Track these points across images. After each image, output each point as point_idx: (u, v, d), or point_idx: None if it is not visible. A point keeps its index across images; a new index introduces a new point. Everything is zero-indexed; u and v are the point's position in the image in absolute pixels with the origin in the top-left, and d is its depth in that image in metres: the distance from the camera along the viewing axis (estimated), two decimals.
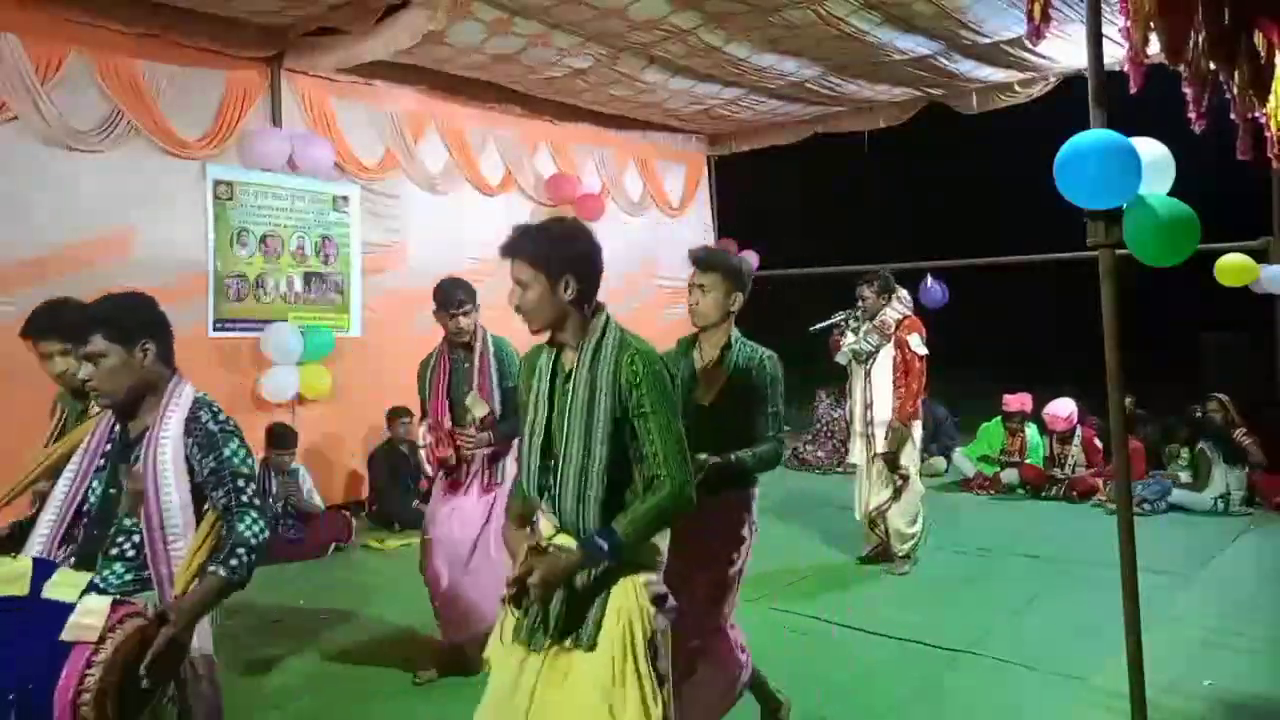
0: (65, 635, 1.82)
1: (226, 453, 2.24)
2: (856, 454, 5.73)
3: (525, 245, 2.17)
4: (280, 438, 6.23)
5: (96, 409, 2.60)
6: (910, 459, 5.49)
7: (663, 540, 2.23)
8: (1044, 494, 7.63)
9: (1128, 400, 7.72)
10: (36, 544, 2.21)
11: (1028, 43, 6.76)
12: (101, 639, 1.84)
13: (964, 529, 6.53)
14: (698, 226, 10.60)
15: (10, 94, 5.46)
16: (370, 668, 4.06)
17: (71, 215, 5.77)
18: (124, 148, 6.00)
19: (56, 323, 3.00)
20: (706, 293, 3.06)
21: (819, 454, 9.33)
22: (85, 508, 2.25)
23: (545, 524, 2.23)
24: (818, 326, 5.93)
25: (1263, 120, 2.68)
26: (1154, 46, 2.65)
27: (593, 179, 9.26)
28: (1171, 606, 4.66)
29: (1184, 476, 7.27)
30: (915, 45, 6.99)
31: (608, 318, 2.25)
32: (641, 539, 2.11)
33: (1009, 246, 9.37)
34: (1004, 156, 11.04)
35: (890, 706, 3.61)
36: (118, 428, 2.33)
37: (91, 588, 1.98)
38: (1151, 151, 2.92)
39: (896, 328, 5.52)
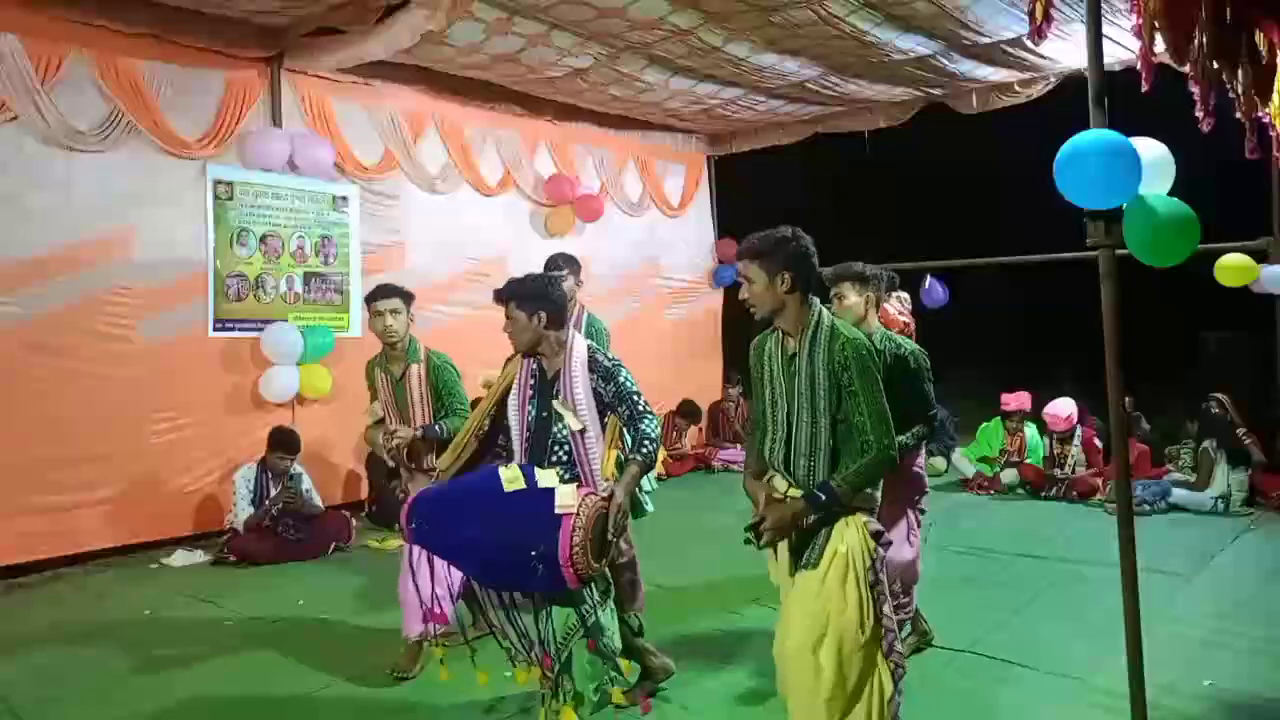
0: (557, 509, 2.80)
1: (621, 379, 3.09)
2: None
3: (746, 246, 2.71)
4: (284, 444, 6.09)
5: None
6: None
7: (877, 490, 2.72)
8: (1044, 494, 7.63)
9: (1126, 400, 7.76)
10: (515, 451, 3.15)
11: (1028, 43, 6.76)
12: (578, 511, 2.80)
13: (964, 529, 6.52)
14: (698, 227, 10.60)
15: (10, 94, 5.46)
16: (370, 667, 4.06)
17: (71, 215, 5.77)
18: (124, 148, 6.00)
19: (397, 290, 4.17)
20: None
21: None
22: (528, 426, 3.13)
23: (780, 481, 2.70)
24: None
25: (1266, 120, 2.68)
26: (1159, 46, 2.66)
27: (593, 179, 9.26)
28: (1171, 606, 4.66)
29: (1186, 476, 7.27)
30: (915, 45, 6.98)
31: (820, 309, 2.69)
32: (854, 492, 2.59)
33: (1009, 246, 9.37)
34: (1004, 156, 11.03)
35: None
36: (536, 370, 3.16)
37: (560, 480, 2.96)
38: (1151, 151, 2.92)
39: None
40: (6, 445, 5.45)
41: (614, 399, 3.08)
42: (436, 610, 3.07)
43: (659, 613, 4.17)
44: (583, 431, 3.05)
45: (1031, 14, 2.83)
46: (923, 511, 4.20)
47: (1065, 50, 7.03)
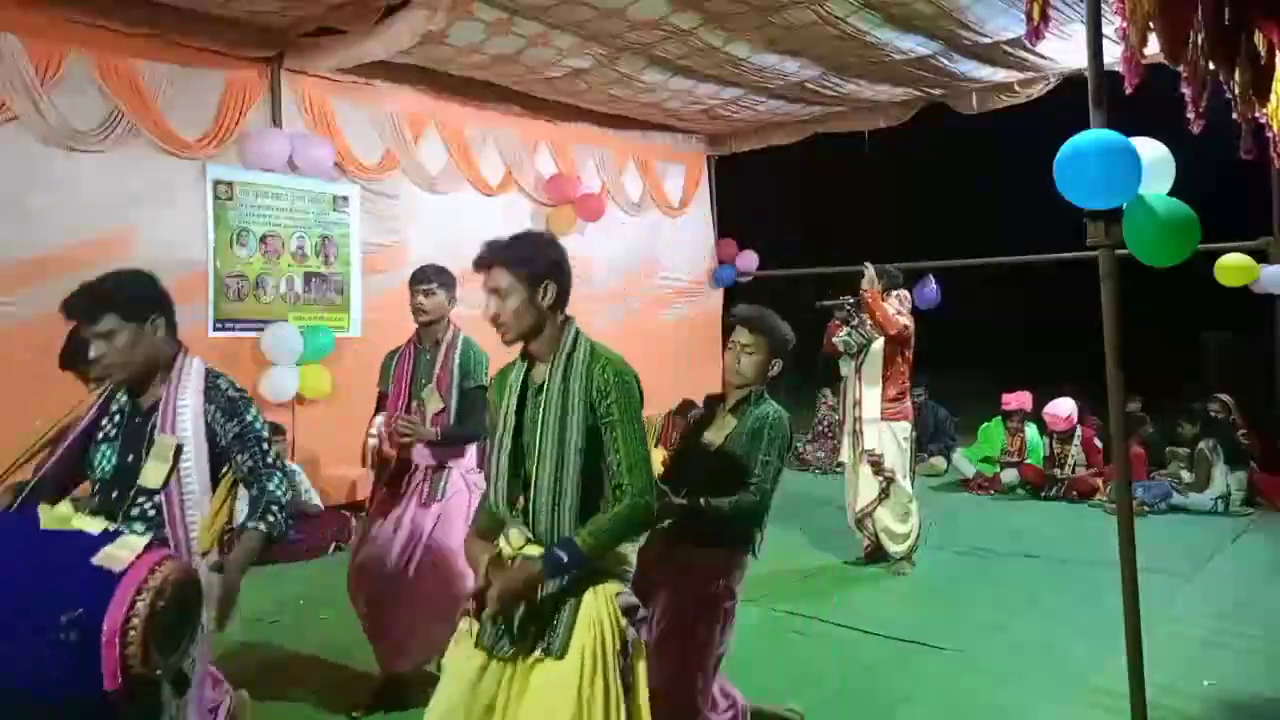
0: (96, 560, 1.93)
1: (248, 418, 2.37)
2: (845, 452, 5.77)
3: (504, 253, 2.21)
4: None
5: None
6: (897, 460, 5.47)
7: (631, 550, 2.25)
8: (1044, 494, 7.64)
9: (1134, 404, 7.77)
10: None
11: (1028, 43, 6.75)
12: (149, 574, 1.94)
13: (964, 529, 6.53)
14: (698, 226, 10.60)
15: (10, 94, 5.46)
16: (370, 666, 4.05)
17: (71, 215, 5.76)
18: (124, 148, 5.99)
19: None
20: (752, 355, 3.00)
21: (819, 454, 9.33)
22: (97, 474, 2.33)
23: (516, 534, 2.21)
24: (825, 303, 5.95)
25: (1264, 120, 2.68)
26: (1153, 46, 2.66)
27: (593, 179, 9.26)
28: (1171, 606, 4.66)
29: (1184, 476, 7.27)
30: (915, 45, 6.98)
31: (577, 329, 2.27)
32: (602, 550, 2.12)
33: (1009, 246, 9.37)
34: (1004, 156, 11.04)
35: (890, 706, 3.61)
36: (125, 398, 2.40)
37: (116, 534, 2.08)
38: (1151, 151, 2.92)
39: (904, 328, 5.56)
40: (6, 445, 5.44)
41: (234, 442, 2.34)
42: None
43: None
44: (183, 484, 2.28)
45: (1029, 15, 2.83)
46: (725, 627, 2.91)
47: (1065, 50, 7.03)
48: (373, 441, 3.78)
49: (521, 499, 2.22)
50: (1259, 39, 2.56)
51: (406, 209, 7.69)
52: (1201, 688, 3.68)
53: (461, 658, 2.17)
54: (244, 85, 6.55)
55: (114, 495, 2.29)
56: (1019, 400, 8.10)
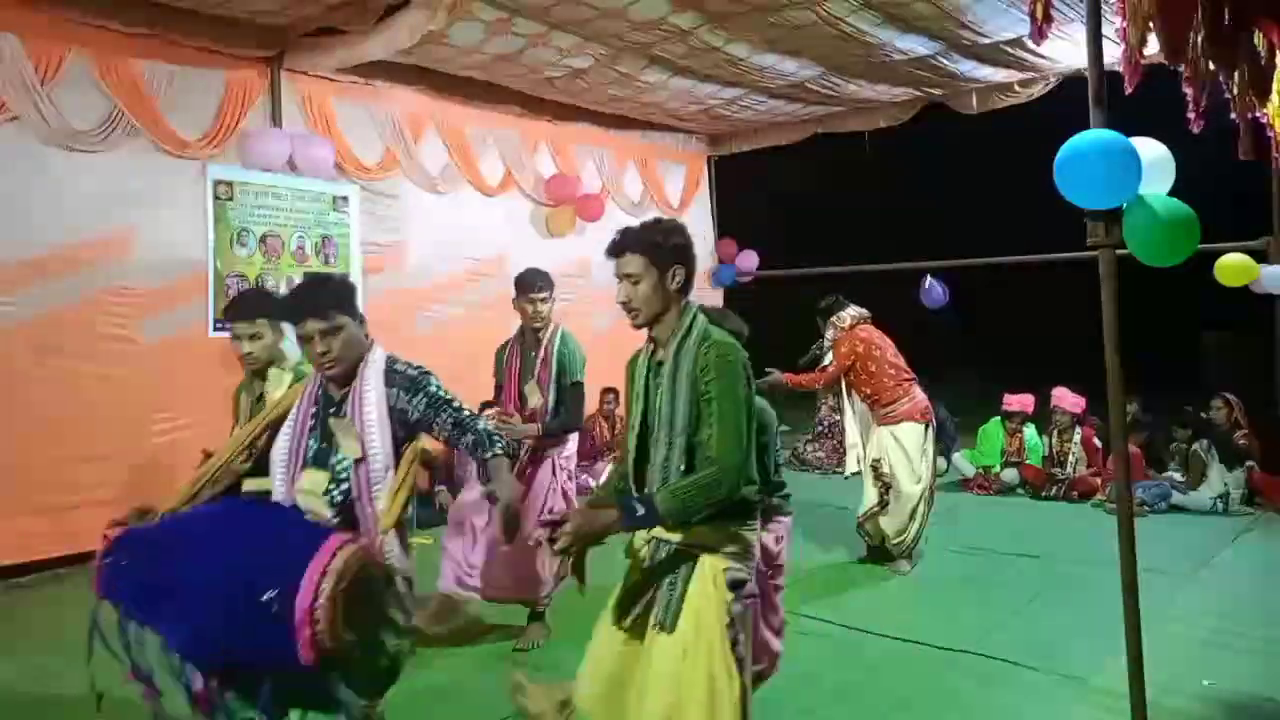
0: (298, 500, 2.28)
1: (432, 388, 2.49)
2: (853, 464, 5.92)
3: (637, 239, 2.33)
4: None
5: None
6: (901, 463, 5.47)
7: (750, 532, 2.32)
8: (1044, 494, 7.63)
9: (1134, 405, 7.77)
10: (277, 493, 2.45)
11: (1028, 42, 6.76)
12: (330, 558, 2.08)
13: (964, 529, 6.52)
14: (698, 226, 10.59)
15: (10, 94, 5.46)
16: None
17: (71, 215, 5.76)
18: (124, 148, 6.00)
19: (259, 307, 3.51)
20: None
21: (819, 454, 9.33)
22: (303, 463, 2.47)
23: None
24: (804, 361, 6.40)
25: (1264, 120, 2.68)
26: (1153, 47, 2.66)
27: (593, 179, 9.26)
28: (1171, 606, 4.66)
29: (1176, 477, 7.28)
30: (915, 45, 6.99)
31: (696, 311, 2.37)
32: (681, 512, 2.17)
33: (1009, 246, 9.37)
34: (1004, 156, 11.03)
35: (891, 706, 3.61)
36: (320, 393, 2.54)
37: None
38: (1151, 151, 2.92)
39: (834, 348, 5.74)
40: (6, 445, 5.45)
41: (428, 411, 2.45)
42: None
43: None
44: (364, 462, 2.39)
45: (1032, 14, 2.83)
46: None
47: (1065, 50, 7.03)
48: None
49: (633, 477, 2.35)
50: (1259, 39, 2.56)
51: (406, 209, 7.69)
52: (1201, 688, 3.67)
53: (601, 636, 2.35)
54: (244, 85, 6.56)
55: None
56: (1021, 403, 8.09)
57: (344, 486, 2.40)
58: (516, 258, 7.91)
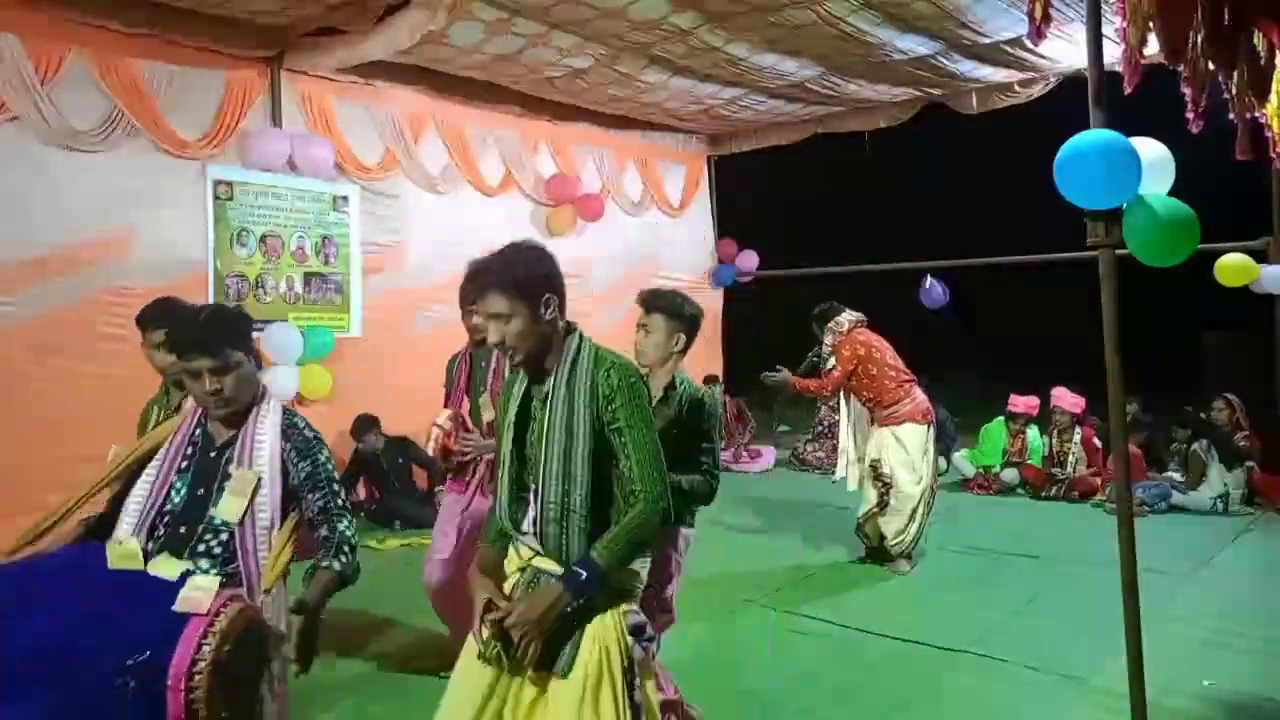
0: (178, 606, 1.96)
1: (321, 459, 2.37)
2: (842, 469, 5.98)
3: (498, 276, 2.09)
4: None
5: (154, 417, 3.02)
6: (901, 463, 5.47)
7: (643, 567, 2.20)
8: (1044, 494, 7.64)
9: (1134, 405, 7.78)
10: (121, 537, 2.27)
11: (1028, 42, 6.76)
12: (214, 617, 1.94)
13: (964, 529, 6.53)
14: (698, 226, 10.60)
15: (10, 94, 5.46)
16: (369, 665, 4.06)
17: (71, 215, 5.76)
18: (124, 148, 6.00)
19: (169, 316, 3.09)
20: (649, 334, 3.13)
21: (819, 454, 9.33)
22: (167, 506, 2.29)
23: (524, 548, 2.17)
24: (802, 368, 6.35)
25: (1262, 120, 2.68)
26: (1152, 47, 2.65)
27: (593, 179, 9.26)
28: (1171, 606, 4.66)
29: (1176, 477, 7.28)
30: (915, 45, 6.98)
31: (580, 335, 2.19)
32: (622, 562, 2.07)
33: (1009, 246, 9.38)
34: (1004, 156, 11.03)
35: (890, 706, 3.61)
36: (199, 431, 2.38)
37: (187, 575, 2.10)
38: (1151, 151, 2.92)
39: (833, 354, 5.72)
40: (6, 445, 5.45)
41: (305, 482, 2.33)
42: None
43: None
44: (256, 520, 2.25)
45: (1031, 14, 2.83)
46: (669, 620, 3.24)
47: (1065, 50, 7.03)
48: (436, 432, 3.94)
49: (530, 512, 2.16)
50: (1258, 39, 2.56)
51: (406, 209, 7.69)
52: (1201, 688, 3.67)
53: (470, 670, 2.10)
54: (244, 85, 6.56)
55: (182, 529, 2.26)
56: (1027, 404, 8.08)
57: (223, 537, 2.23)
58: None
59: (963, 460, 8.32)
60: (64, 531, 2.35)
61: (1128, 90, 2.68)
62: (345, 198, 7.24)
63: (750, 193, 11.71)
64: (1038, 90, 8.02)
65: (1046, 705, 3.59)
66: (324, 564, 2.25)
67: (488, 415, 3.87)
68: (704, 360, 10.45)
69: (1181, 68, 2.66)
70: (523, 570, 2.16)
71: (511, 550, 2.22)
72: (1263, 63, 2.55)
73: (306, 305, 6.96)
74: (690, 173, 10.49)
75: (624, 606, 2.12)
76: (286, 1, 5.91)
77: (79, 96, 5.78)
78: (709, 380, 9.44)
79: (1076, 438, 7.76)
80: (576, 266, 8.60)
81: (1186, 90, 2.71)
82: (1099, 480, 7.43)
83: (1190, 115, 2.73)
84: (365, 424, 6.87)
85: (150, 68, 6.09)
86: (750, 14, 6.22)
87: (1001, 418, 8.23)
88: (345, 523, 2.32)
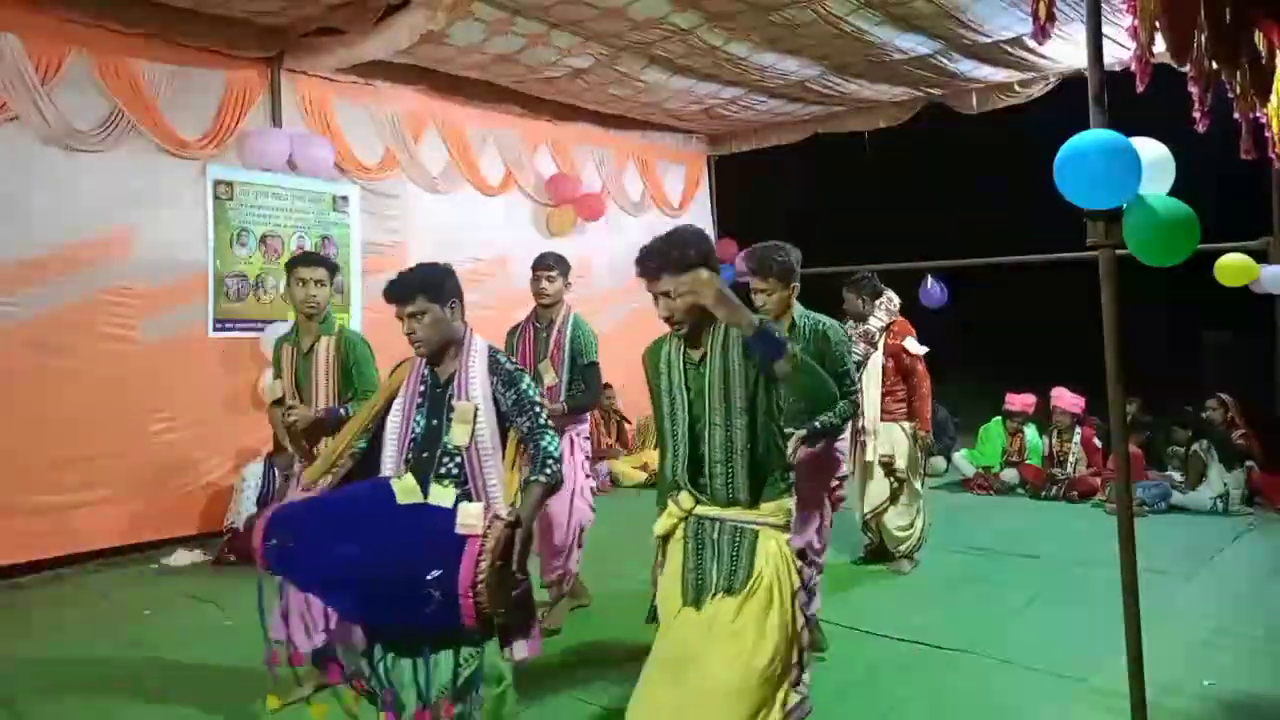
0: (459, 528, 2.40)
1: (523, 386, 2.72)
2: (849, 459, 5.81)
3: (667, 259, 2.41)
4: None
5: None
6: (915, 463, 5.46)
7: (791, 501, 2.49)
8: (1044, 494, 7.63)
9: (1134, 405, 7.78)
10: (387, 467, 2.69)
11: (1028, 42, 6.76)
12: (485, 534, 2.39)
13: (964, 529, 6.52)
14: (698, 226, 10.59)
15: (10, 94, 5.46)
16: None
17: (71, 215, 5.77)
18: (124, 148, 6.00)
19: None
20: (769, 295, 3.65)
21: None
22: (411, 436, 2.70)
23: (686, 497, 2.47)
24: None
25: (1264, 120, 2.68)
26: (1158, 46, 2.66)
27: (593, 179, 9.26)
28: (1171, 606, 4.66)
29: (1176, 477, 7.28)
30: (915, 45, 6.99)
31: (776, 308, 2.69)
32: (798, 372, 2.27)
33: (1009, 246, 9.37)
34: (1004, 156, 11.03)
35: (890, 706, 3.61)
36: (427, 372, 2.78)
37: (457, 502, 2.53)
38: (1151, 151, 2.91)
39: (884, 334, 5.47)
40: (6, 445, 5.45)
41: (513, 408, 2.70)
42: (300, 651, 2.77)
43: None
44: (478, 443, 2.65)
45: (1035, 13, 2.83)
46: (841, 499, 4.19)
47: (1065, 50, 7.03)
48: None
49: (689, 463, 2.46)
50: (1259, 39, 2.56)
51: (406, 209, 7.69)
52: (1201, 688, 3.67)
53: (666, 617, 2.45)
54: (244, 85, 6.56)
55: (424, 455, 2.66)
56: (1023, 403, 8.08)
57: (458, 459, 2.64)
58: (517, 257, 7.93)
59: (962, 460, 8.32)
60: (341, 461, 2.76)
61: (1139, 89, 2.69)
62: (345, 198, 7.24)
63: (750, 193, 11.70)
64: (1038, 90, 8.02)
65: (1046, 705, 3.58)
66: (534, 478, 2.60)
67: (549, 379, 4.31)
68: None
69: (1188, 67, 2.67)
70: (685, 520, 2.47)
71: (671, 504, 2.51)
72: (1264, 63, 2.56)
73: None
74: (690, 173, 10.50)
75: (785, 536, 2.44)
76: (286, 1, 5.92)
77: (79, 96, 5.79)
78: None
79: (1076, 438, 7.75)
80: (577, 266, 8.56)
81: (1193, 89, 2.71)
82: (1099, 480, 7.43)
83: (1196, 115, 2.74)
84: None
85: (150, 68, 6.09)
86: (750, 13, 6.22)
87: (999, 417, 8.23)
88: (548, 439, 2.65)
